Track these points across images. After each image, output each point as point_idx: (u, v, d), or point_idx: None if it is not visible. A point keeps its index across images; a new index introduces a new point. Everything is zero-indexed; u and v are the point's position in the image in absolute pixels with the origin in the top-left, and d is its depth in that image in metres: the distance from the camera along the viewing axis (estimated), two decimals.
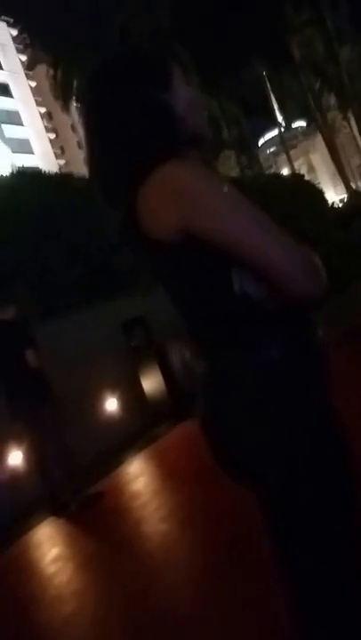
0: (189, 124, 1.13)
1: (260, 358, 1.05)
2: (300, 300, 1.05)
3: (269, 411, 1.04)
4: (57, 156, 49.63)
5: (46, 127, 50.01)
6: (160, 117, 1.09)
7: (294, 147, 41.28)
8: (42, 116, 49.47)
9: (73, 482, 4.33)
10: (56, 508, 4.36)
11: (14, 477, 4.73)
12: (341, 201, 22.46)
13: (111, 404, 5.93)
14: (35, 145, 45.53)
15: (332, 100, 29.88)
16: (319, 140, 31.74)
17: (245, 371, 1.06)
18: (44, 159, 42.02)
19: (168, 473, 4.58)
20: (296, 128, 43.94)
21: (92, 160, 1.16)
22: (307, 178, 16.11)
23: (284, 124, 35.18)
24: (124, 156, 1.10)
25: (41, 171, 8.15)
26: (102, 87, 1.13)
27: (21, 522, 4.45)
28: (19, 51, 46.64)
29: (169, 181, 1.02)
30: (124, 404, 6.01)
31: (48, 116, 51.33)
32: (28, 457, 4.59)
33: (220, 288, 1.06)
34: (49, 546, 3.92)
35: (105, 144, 1.12)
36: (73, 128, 51.03)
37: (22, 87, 46.72)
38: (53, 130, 52.19)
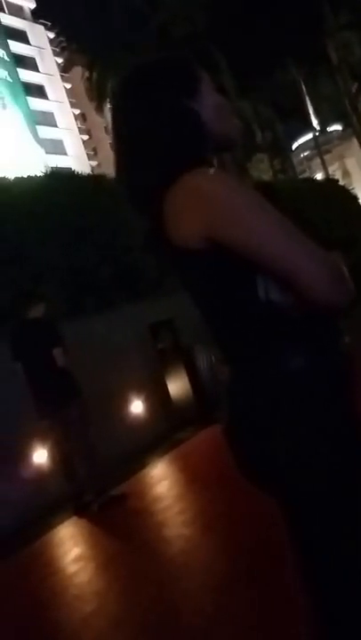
0: (217, 130, 1.13)
1: (284, 366, 1.04)
2: (326, 308, 1.03)
3: (292, 419, 1.03)
4: (90, 158, 50.19)
5: (80, 128, 50.64)
6: (187, 124, 1.10)
7: (329, 151, 40.69)
8: (76, 117, 50.12)
9: (96, 482, 4.35)
10: (79, 508, 4.38)
11: (38, 475, 4.78)
12: None
13: (137, 406, 5.94)
14: (68, 146, 46.13)
15: None
16: (355, 145, 31.30)
17: (269, 378, 1.05)
18: (77, 160, 42.55)
19: (192, 477, 4.56)
20: (331, 132, 43.41)
21: (120, 165, 1.17)
22: (341, 183, 15.95)
23: (318, 128, 34.79)
24: (151, 162, 1.10)
25: (74, 171, 8.23)
26: (130, 93, 1.14)
27: (44, 520, 4.48)
28: (55, 53, 47.32)
29: (195, 188, 1.02)
30: (150, 406, 6.02)
31: (82, 118, 51.97)
32: (53, 456, 4.63)
33: (244, 295, 1.05)
34: (71, 545, 3.94)
35: (132, 150, 1.13)
36: (106, 130, 51.47)
37: (58, 89, 47.40)
38: (87, 131, 52.81)
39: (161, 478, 4.72)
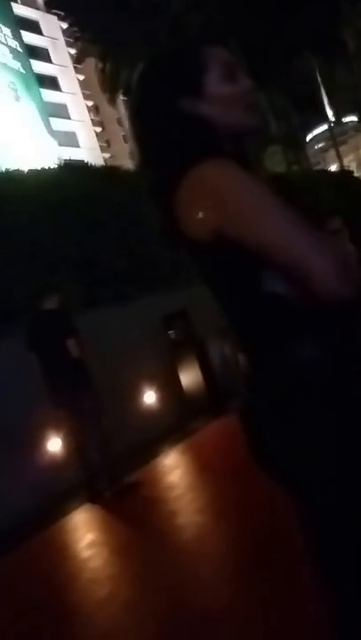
0: (229, 122, 1.12)
1: (295, 357, 1.05)
2: (332, 299, 1.01)
3: (304, 410, 1.04)
4: (103, 150, 50.05)
5: (93, 120, 50.46)
6: (189, 121, 1.10)
7: (344, 142, 40.09)
8: (89, 109, 49.92)
9: (110, 470, 4.41)
10: (92, 495, 4.45)
11: (53, 463, 4.86)
12: None
13: (149, 397, 5.99)
14: (81, 138, 45.99)
15: None
16: None
17: (282, 369, 1.06)
18: (90, 152, 42.41)
19: (204, 466, 4.61)
20: (347, 123, 42.84)
21: (138, 159, 1.21)
22: (356, 174, 15.79)
23: (334, 119, 34.37)
24: (159, 159, 1.13)
25: (87, 164, 8.26)
26: (137, 92, 1.17)
27: (59, 506, 4.55)
28: (68, 44, 47.08)
29: (201, 183, 1.03)
30: (163, 396, 6.06)
31: (95, 110, 51.79)
32: (68, 444, 4.70)
33: (251, 287, 1.06)
34: (84, 531, 4.01)
35: (142, 147, 1.17)
36: (119, 121, 51.40)
37: (71, 80, 47.14)
38: (100, 123, 52.63)
39: (173, 467, 4.78)
